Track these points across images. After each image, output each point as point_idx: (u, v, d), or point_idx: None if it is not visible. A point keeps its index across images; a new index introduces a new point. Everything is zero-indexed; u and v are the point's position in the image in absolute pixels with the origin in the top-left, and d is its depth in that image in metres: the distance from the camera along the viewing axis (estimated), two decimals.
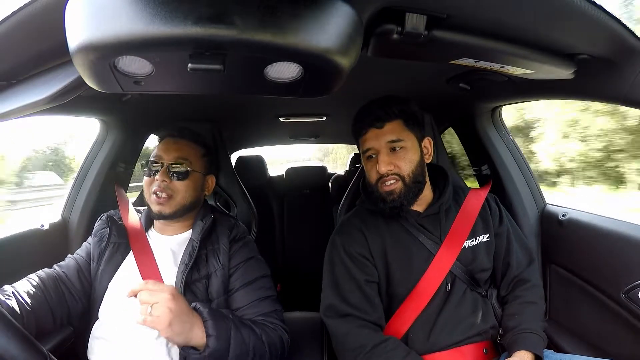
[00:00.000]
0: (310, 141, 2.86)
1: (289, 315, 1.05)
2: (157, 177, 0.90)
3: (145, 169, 0.94)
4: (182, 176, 0.92)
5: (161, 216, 0.92)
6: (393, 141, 0.91)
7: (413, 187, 0.93)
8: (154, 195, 0.90)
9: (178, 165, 0.92)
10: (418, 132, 0.96)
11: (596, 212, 1.11)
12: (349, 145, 3.48)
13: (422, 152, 0.96)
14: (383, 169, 0.90)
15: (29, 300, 0.78)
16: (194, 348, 0.73)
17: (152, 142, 1.54)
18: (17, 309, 0.75)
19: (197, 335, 0.72)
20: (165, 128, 1.00)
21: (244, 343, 0.76)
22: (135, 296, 0.69)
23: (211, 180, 1.03)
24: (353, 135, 1.01)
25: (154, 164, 0.92)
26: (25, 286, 0.81)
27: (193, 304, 0.76)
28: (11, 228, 1.07)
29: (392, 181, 0.91)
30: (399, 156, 0.91)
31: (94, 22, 0.41)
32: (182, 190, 0.92)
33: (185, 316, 0.70)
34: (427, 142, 0.99)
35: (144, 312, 0.67)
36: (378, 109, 0.93)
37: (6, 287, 0.79)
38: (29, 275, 0.85)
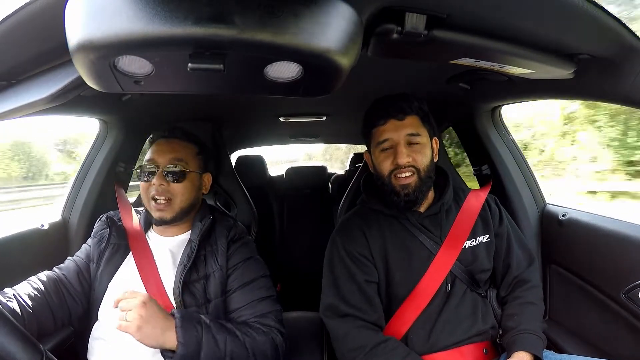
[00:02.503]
0: (310, 141, 2.86)
1: (289, 315, 1.05)
2: (153, 181, 0.89)
3: (141, 174, 0.92)
4: (179, 177, 0.91)
5: (163, 222, 0.92)
6: (412, 134, 0.92)
7: (427, 182, 0.93)
8: (153, 201, 0.90)
9: (174, 167, 0.91)
10: (430, 130, 0.97)
11: (596, 212, 1.11)
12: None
13: (432, 150, 0.97)
14: (403, 160, 0.90)
15: (30, 302, 0.78)
16: (171, 350, 0.75)
17: None
18: (18, 310, 0.75)
19: (171, 339, 0.74)
20: (157, 129, 0.99)
21: (218, 349, 0.77)
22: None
23: (207, 179, 1.02)
24: (365, 126, 0.99)
25: (149, 168, 0.91)
26: (26, 288, 0.81)
27: (172, 311, 0.78)
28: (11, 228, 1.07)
29: (408, 173, 0.91)
30: (416, 150, 0.92)
31: (94, 21, 0.41)
32: (180, 192, 0.91)
33: (155, 322, 0.73)
34: (434, 143, 0.99)
35: (121, 318, 0.73)
36: (400, 102, 0.93)
37: (7, 290, 0.79)
38: (29, 278, 0.86)
